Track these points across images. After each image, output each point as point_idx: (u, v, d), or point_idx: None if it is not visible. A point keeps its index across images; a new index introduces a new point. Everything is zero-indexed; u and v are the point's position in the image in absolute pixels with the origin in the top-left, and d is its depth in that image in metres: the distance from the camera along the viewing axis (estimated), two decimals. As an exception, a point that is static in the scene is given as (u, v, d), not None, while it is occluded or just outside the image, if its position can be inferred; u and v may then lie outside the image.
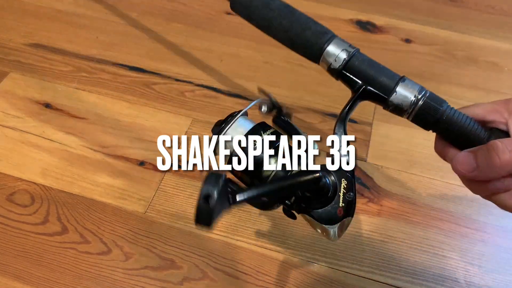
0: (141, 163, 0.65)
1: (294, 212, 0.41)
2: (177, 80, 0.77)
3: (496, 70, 0.82)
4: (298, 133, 0.44)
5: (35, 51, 0.81)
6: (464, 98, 0.76)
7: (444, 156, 0.40)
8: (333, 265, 0.56)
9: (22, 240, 0.58)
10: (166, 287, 0.54)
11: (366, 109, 0.72)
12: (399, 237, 0.59)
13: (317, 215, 0.39)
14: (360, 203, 0.62)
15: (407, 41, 0.85)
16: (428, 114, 0.38)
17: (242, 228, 0.59)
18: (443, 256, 0.58)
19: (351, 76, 0.42)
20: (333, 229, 0.39)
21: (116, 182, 0.63)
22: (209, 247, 0.57)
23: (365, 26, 0.89)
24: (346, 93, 0.45)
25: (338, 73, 0.42)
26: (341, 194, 0.39)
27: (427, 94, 0.39)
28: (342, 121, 0.41)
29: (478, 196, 0.66)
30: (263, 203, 0.42)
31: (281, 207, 0.42)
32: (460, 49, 0.84)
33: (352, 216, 0.39)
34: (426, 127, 0.39)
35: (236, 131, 0.45)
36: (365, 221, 0.60)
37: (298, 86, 0.77)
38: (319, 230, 0.39)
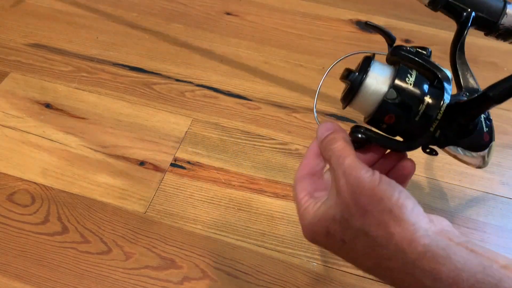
0: (141, 163, 0.65)
1: (435, 148, 0.38)
2: (177, 80, 0.78)
3: (496, 70, 0.82)
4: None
5: (35, 51, 0.81)
6: (463, 98, 0.76)
7: None
8: (333, 265, 0.57)
9: (23, 240, 0.58)
10: (166, 287, 0.54)
11: (366, 109, 0.72)
12: (399, 237, 0.59)
13: (465, 144, 0.37)
14: (360, 203, 0.62)
15: (407, 41, 0.85)
16: None
17: (242, 228, 0.59)
18: (443, 255, 0.58)
19: (457, 4, 0.40)
20: (483, 155, 0.39)
21: (116, 182, 0.64)
22: (209, 247, 0.58)
23: (365, 26, 0.89)
24: (346, 93, 0.46)
25: (442, 4, 0.40)
26: (482, 120, 0.39)
27: None
28: (457, 52, 0.41)
29: (478, 196, 0.66)
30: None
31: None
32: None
33: (494, 140, 0.39)
34: None
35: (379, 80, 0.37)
36: (365, 221, 0.61)
37: (298, 86, 0.78)
38: (467, 161, 0.39)
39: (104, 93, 0.75)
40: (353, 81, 0.36)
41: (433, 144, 0.38)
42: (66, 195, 0.62)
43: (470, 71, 0.41)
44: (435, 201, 0.63)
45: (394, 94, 0.35)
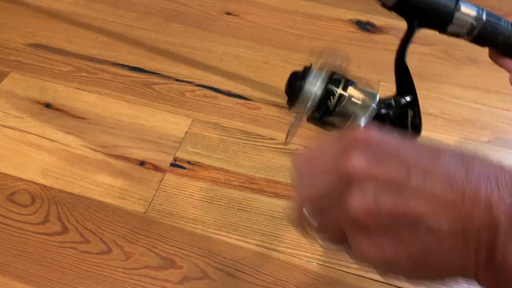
0: (141, 163, 0.65)
1: None
2: (177, 80, 0.78)
3: (495, 70, 0.81)
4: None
5: (35, 51, 0.81)
6: (463, 98, 0.76)
7: (500, 65, 0.42)
8: (333, 265, 0.57)
9: (23, 240, 0.58)
10: (166, 287, 0.54)
11: (366, 109, 0.72)
12: (399, 237, 0.59)
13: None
14: (360, 203, 0.62)
15: (407, 41, 0.85)
16: (487, 35, 0.40)
17: (242, 228, 0.59)
18: (443, 255, 0.58)
19: (407, 8, 0.41)
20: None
21: (116, 182, 0.63)
22: (209, 247, 0.58)
23: (365, 26, 0.89)
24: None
25: (393, 6, 0.42)
26: (408, 122, 0.45)
27: (484, 16, 0.40)
28: (401, 54, 0.44)
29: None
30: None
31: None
32: (459, 49, 0.84)
33: (420, 133, 0.45)
34: (484, 45, 0.41)
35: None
36: (365, 221, 0.61)
37: (298, 86, 0.78)
38: None
39: (104, 93, 0.75)
40: (295, 86, 0.45)
41: None
42: (66, 195, 0.62)
43: (410, 76, 0.45)
44: (435, 201, 0.63)
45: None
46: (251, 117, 0.72)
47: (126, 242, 0.58)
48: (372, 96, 0.44)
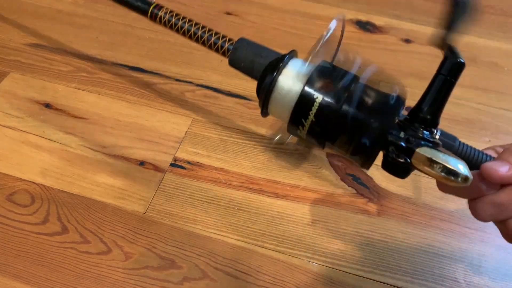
0: (141, 163, 0.65)
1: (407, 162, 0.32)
2: (177, 80, 0.78)
3: (496, 70, 0.82)
4: None
5: (35, 51, 0.81)
6: (463, 98, 0.76)
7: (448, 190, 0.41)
8: (333, 265, 0.57)
9: (22, 240, 0.58)
10: (166, 287, 0.54)
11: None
12: (399, 237, 0.59)
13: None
14: (360, 203, 0.62)
15: (407, 41, 0.85)
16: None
17: (242, 228, 0.59)
18: (443, 256, 0.58)
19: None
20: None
21: (116, 182, 0.63)
22: (209, 247, 0.57)
23: (365, 26, 0.89)
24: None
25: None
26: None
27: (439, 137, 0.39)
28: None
29: (478, 196, 0.65)
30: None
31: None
32: (459, 49, 0.84)
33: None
34: None
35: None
36: (365, 221, 0.61)
37: (298, 86, 0.77)
38: (446, 174, 0.32)
39: (104, 93, 0.75)
40: (265, 83, 0.28)
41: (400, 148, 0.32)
42: (66, 195, 0.62)
43: None
44: (435, 201, 0.63)
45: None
46: (251, 117, 0.72)
47: (126, 242, 0.58)
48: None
